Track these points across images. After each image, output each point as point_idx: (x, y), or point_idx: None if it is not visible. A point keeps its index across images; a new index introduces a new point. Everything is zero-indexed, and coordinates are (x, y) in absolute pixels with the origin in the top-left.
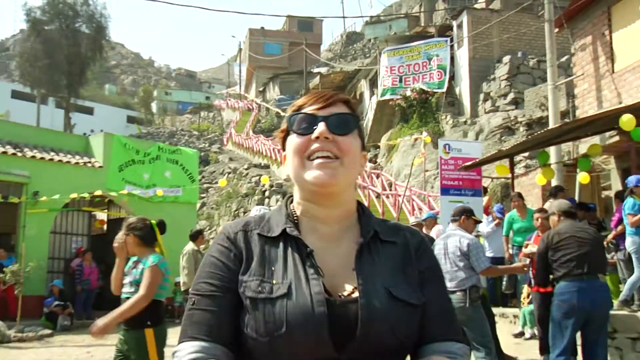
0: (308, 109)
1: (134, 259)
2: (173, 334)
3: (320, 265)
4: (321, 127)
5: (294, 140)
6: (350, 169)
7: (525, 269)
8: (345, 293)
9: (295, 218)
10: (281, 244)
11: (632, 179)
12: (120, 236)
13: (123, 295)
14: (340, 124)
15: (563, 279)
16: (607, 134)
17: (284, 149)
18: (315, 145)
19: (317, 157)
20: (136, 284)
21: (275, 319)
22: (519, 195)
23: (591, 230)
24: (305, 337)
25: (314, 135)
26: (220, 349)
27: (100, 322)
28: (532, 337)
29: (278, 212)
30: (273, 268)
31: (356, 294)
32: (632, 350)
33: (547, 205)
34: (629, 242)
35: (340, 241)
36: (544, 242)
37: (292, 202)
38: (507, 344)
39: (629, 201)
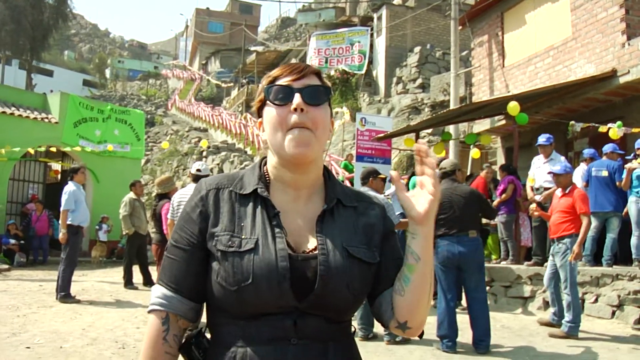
0: (283, 81)
1: None
2: (117, 272)
3: (286, 225)
4: (297, 98)
5: (272, 111)
6: (321, 139)
7: None
8: (307, 250)
9: (267, 179)
10: (251, 202)
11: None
12: None
13: None
14: (314, 95)
15: (440, 237)
16: (496, 117)
17: (259, 117)
18: (293, 118)
19: (295, 129)
20: None
21: (243, 270)
22: None
23: (464, 191)
24: (269, 288)
25: (292, 107)
26: (179, 299)
27: None
28: None
29: (251, 172)
30: (243, 224)
31: (317, 252)
32: (504, 296)
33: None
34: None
35: (306, 204)
36: None
37: (265, 164)
38: None
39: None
